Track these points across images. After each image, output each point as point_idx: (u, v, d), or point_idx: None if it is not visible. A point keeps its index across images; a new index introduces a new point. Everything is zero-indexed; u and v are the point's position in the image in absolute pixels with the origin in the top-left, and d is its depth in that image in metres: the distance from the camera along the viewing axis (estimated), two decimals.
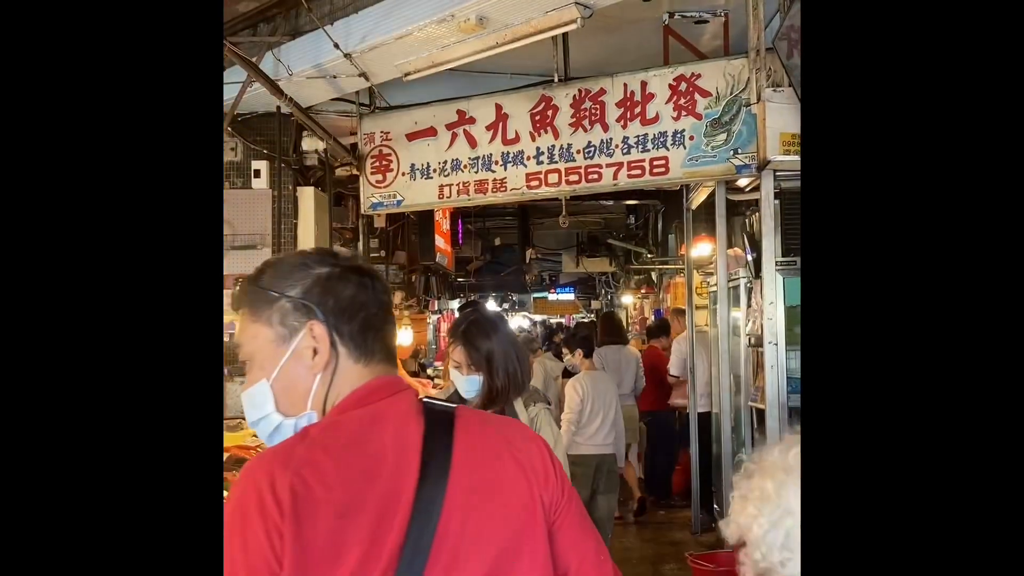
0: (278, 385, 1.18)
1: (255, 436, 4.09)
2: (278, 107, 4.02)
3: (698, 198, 5.86)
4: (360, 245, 7.70)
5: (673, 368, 6.86)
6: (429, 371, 8.13)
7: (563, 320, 20.97)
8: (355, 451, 1.08)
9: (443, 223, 7.83)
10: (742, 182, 5.60)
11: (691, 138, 4.26)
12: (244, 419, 4.02)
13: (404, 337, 7.09)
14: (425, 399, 1.20)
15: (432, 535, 1.06)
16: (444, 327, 12.70)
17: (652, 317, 10.43)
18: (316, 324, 1.16)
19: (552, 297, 19.58)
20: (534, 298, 20.28)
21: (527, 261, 12.21)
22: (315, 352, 1.16)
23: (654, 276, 11.20)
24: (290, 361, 1.17)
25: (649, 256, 10.48)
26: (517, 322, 20.28)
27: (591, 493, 4.87)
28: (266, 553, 1.00)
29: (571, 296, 19.41)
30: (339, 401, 1.16)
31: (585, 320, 15.91)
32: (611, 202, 10.17)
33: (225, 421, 4.07)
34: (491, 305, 19.57)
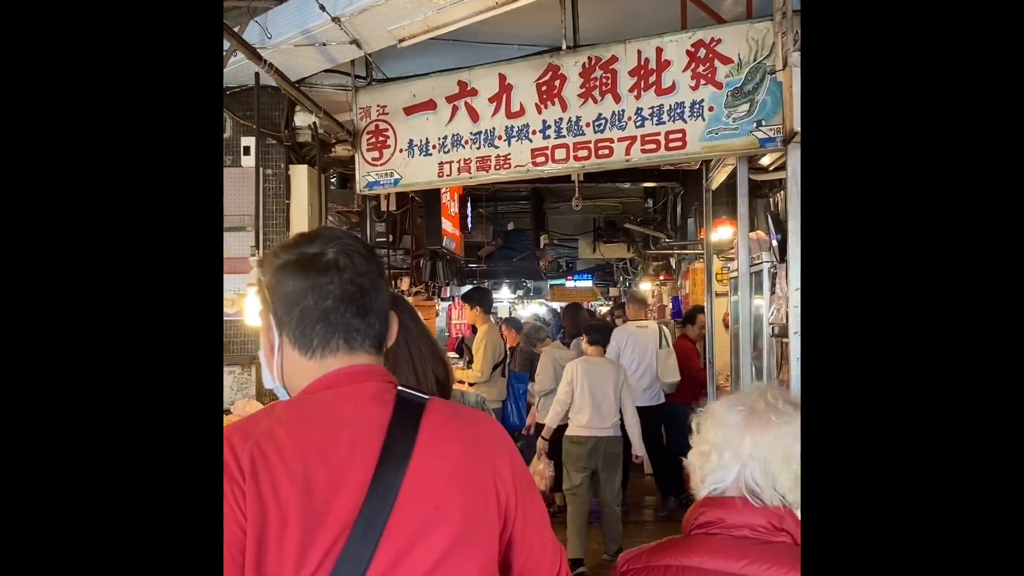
0: (264, 360, 1.31)
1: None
2: (256, 75, 3.72)
3: (718, 178, 5.50)
4: (367, 229, 7.43)
5: None
6: None
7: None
8: (312, 428, 1.15)
9: (451, 206, 7.52)
10: (765, 160, 5.24)
11: (710, 109, 3.90)
12: (228, 410, 3.71)
13: None
14: (400, 388, 1.24)
15: (387, 516, 1.10)
16: (455, 315, 12.45)
17: (670, 305, 10.12)
18: (266, 313, 1.27)
19: (570, 284, 19.25)
20: (551, 285, 19.95)
21: (541, 247, 11.86)
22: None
23: (673, 262, 10.84)
24: (263, 341, 1.30)
25: (667, 241, 10.09)
26: (533, 309, 19.98)
27: (591, 473, 5.33)
28: (234, 510, 1.07)
29: (589, 283, 19.07)
30: (307, 385, 1.23)
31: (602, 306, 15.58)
32: (628, 185, 9.79)
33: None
34: (504, 292, 19.32)
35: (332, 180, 6.90)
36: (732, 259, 6.97)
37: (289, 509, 1.07)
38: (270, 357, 1.27)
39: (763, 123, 3.79)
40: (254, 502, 1.07)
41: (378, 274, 1.27)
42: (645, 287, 13.01)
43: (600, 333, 5.69)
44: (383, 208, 7.47)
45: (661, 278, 11.45)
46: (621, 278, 16.56)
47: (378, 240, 7.55)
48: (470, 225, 9.02)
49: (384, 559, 1.09)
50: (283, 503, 1.07)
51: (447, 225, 7.33)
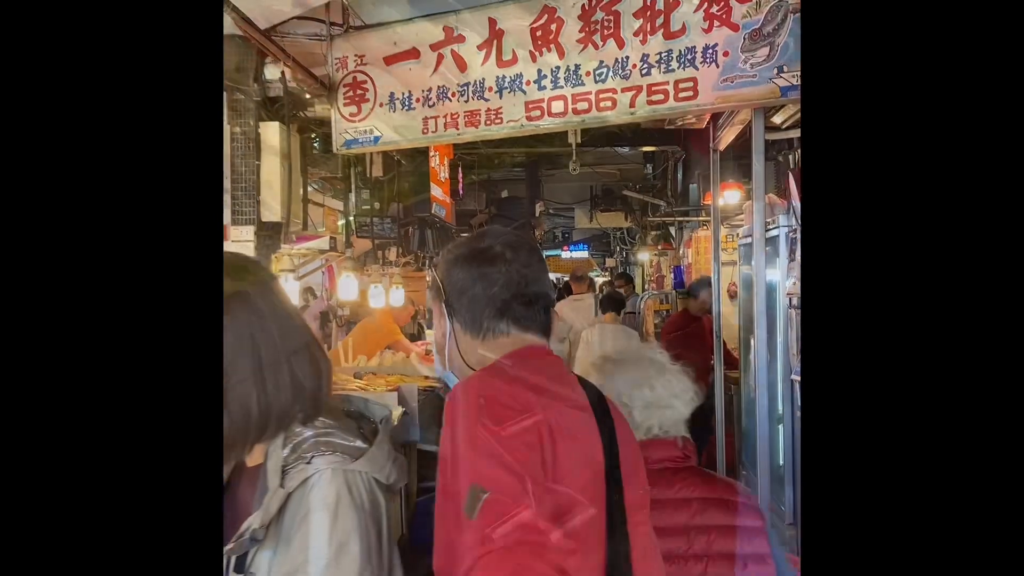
0: (436, 350, 1.42)
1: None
2: None
3: (727, 137, 5.08)
4: (352, 195, 7.00)
5: None
6: (428, 333, 7.50)
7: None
8: (553, 381, 1.22)
9: (440, 171, 7.09)
10: (776, 118, 4.84)
11: (725, 54, 3.48)
12: None
13: (396, 297, 6.40)
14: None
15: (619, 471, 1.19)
16: None
17: (670, 275, 9.76)
18: (438, 303, 1.36)
19: (565, 255, 18.91)
20: (547, 256, 19.61)
21: (536, 215, 11.45)
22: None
23: (672, 231, 10.46)
24: (436, 331, 1.40)
25: (667, 208, 9.68)
26: None
27: None
28: (544, 437, 1.09)
29: (585, 254, 18.74)
30: (499, 357, 1.26)
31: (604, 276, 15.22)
32: (627, 150, 9.39)
33: None
34: None
35: (315, 143, 6.46)
36: (738, 226, 6.57)
37: (572, 445, 1.13)
38: (442, 345, 1.36)
39: (785, 69, 3.37)
40: (550, 433, 1.10)
41: (542, 268, 1.35)
42: (643, 257, 12.67)
43: (612, 301, 6.42)
44: (368, 173, 7.04)
45: (660, 247, 11.08)
46: (618, 248, 16.21)
47: (363, 208, 7.12)
48: (461, 192, 8.60)
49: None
50: (571, 441, 1.13)
51: (437, 191, 6.91)
